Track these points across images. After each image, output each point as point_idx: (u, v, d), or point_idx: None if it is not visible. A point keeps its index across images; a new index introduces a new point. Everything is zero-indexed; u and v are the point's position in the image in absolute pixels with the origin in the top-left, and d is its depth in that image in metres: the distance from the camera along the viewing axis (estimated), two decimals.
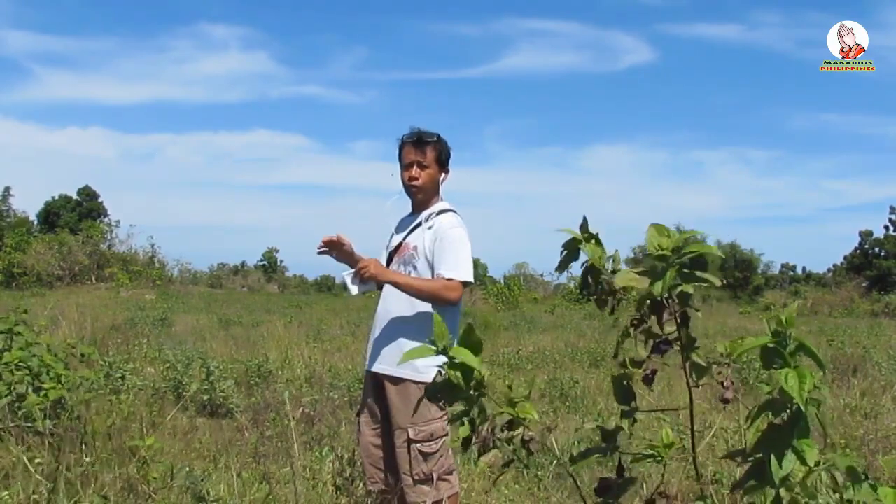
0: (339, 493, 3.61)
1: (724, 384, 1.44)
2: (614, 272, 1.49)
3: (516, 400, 1.50)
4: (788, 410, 1.34)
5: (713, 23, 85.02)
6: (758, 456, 1.37)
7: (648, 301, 1.47)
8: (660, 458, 1.57)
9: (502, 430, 1.51)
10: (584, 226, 1.50)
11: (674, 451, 1.57)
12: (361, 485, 3.40)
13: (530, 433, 1.50)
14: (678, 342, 1.48)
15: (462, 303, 3.08)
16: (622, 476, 1.62)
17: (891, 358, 9.22)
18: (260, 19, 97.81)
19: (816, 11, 72.07)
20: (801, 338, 1.35)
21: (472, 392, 1.48)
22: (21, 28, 77.21)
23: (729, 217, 74.07)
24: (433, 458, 2.90)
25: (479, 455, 1.53)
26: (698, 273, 1.41)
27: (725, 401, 1.45)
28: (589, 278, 1.53)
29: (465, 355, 1.44)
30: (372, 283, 2.97)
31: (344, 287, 3.09)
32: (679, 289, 1.42)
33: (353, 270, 2.96)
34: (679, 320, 1.47)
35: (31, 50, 77.75)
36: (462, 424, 1.50)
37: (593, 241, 1.49)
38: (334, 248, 3.06)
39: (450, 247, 2.94)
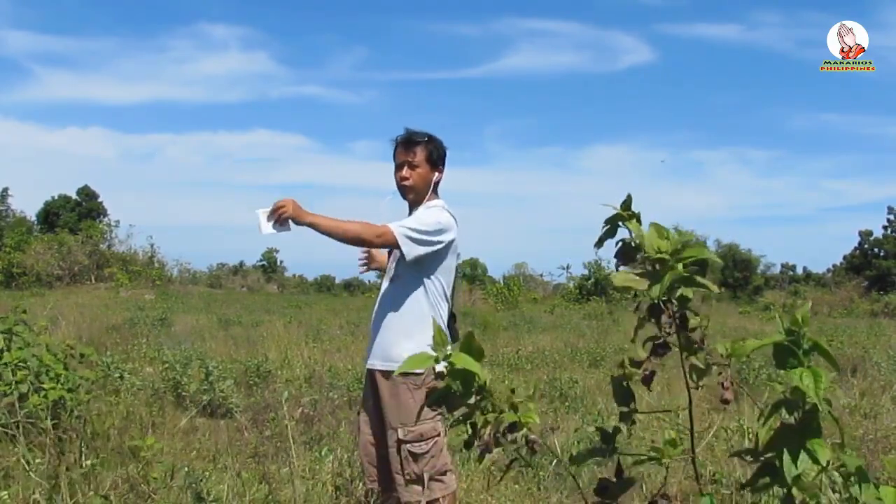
0: (338, 493, 3.62)
1: (724, 385, 1.44)
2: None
3: (518, 402, 1.50)
4: (801, 409, 1.35)
5: (713, 23, 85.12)
6: (769, 455, 1.37)
7: (648, 303, 1.46)
8: (661, 462, 1.57)
9: (504, 434, 1.50)
10: (626, 203, 1.51)
11: (674, 451, 1.57)
12: (361, 485, 3.41)
13: (533, 435, 1.50)
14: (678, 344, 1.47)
15: (450, 299, 3.08)
16: (621, 477, 1.62)
17: (890, 358, 9.22)
18: (260, 19, 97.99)
19: (816, 11, 72.17)
20: (815, 337, 1.35)
21: (474, 398, 1.47)
22: (21, 28, 77.19)
23: (729, 217, 74.07)
24: (424, 458, 2.90)
25: (481, 458, 1.53)
26: (697, 278, 1.41)
27: (725, 401, 1.44)
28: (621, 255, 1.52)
29: (466, 362, 1.44)
30: (288, 224, 2.85)
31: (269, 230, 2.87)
32: (678, 292, 1.42)
33: (269, 209, 2.82)
34: (678, 323, 1.47)
35: (31, 50, 77.71)
36: (464, 427, 1.50)
37: (634, 220, 1.49)
38: (373, 260, 3.34)
39: (416, 216, 3.00)
